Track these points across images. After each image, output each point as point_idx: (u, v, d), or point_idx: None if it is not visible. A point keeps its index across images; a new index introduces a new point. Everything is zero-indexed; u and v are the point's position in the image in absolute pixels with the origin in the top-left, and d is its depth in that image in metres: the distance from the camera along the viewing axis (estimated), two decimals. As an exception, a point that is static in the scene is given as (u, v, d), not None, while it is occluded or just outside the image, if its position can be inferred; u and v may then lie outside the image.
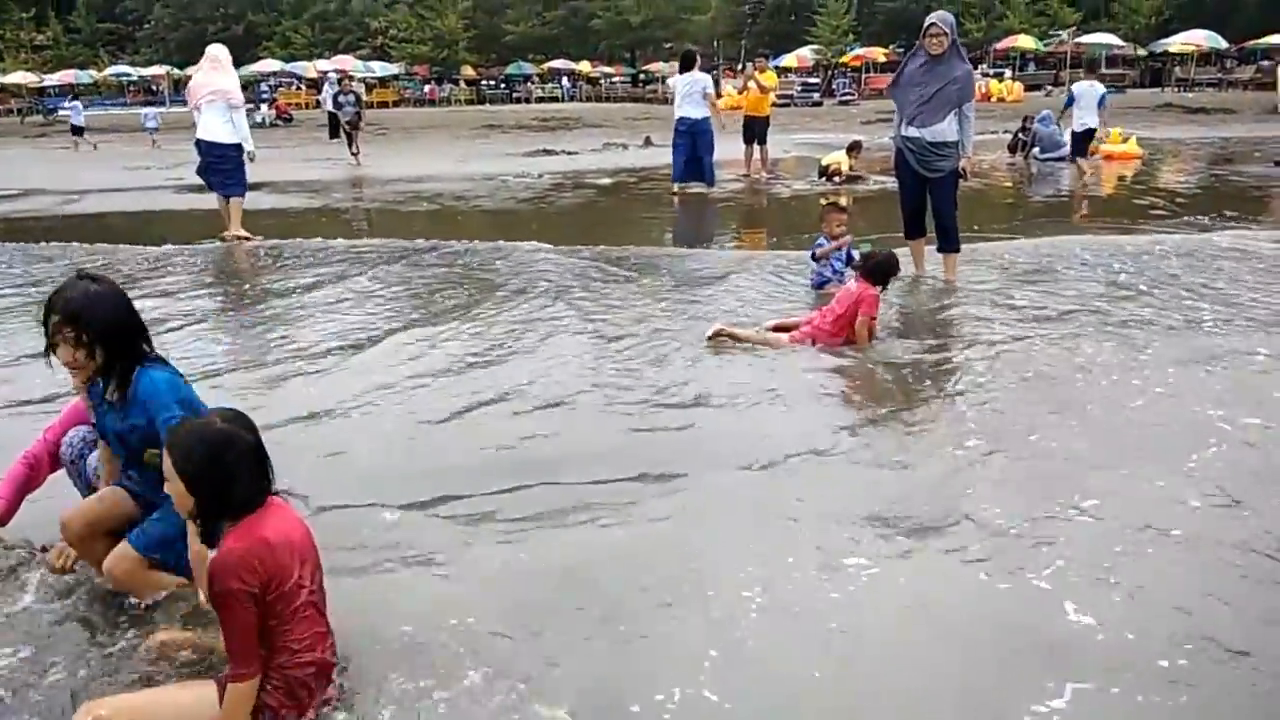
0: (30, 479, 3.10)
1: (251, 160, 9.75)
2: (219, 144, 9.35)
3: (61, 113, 28.62)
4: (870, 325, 5.24)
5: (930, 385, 4.63)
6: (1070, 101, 14.72)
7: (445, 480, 3.59)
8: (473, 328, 5.87)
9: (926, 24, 6.50)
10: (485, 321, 6.01)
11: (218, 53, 9.61)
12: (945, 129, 6.45)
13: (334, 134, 19.96)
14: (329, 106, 21.76)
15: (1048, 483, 3.45)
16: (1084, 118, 14.36)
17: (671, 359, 5.08)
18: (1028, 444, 3.85)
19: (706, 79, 12.68)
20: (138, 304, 2.74)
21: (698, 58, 12.99)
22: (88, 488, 3.03)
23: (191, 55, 51.15)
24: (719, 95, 14.75)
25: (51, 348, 2.57)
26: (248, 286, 7.48)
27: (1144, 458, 3.65)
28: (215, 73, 9.46)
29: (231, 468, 2.16)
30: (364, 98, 21.62)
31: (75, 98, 36.95)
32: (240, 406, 2.38)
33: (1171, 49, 39.94)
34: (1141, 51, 42.87)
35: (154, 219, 12.16)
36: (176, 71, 50.23)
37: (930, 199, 6.74)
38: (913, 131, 6.57)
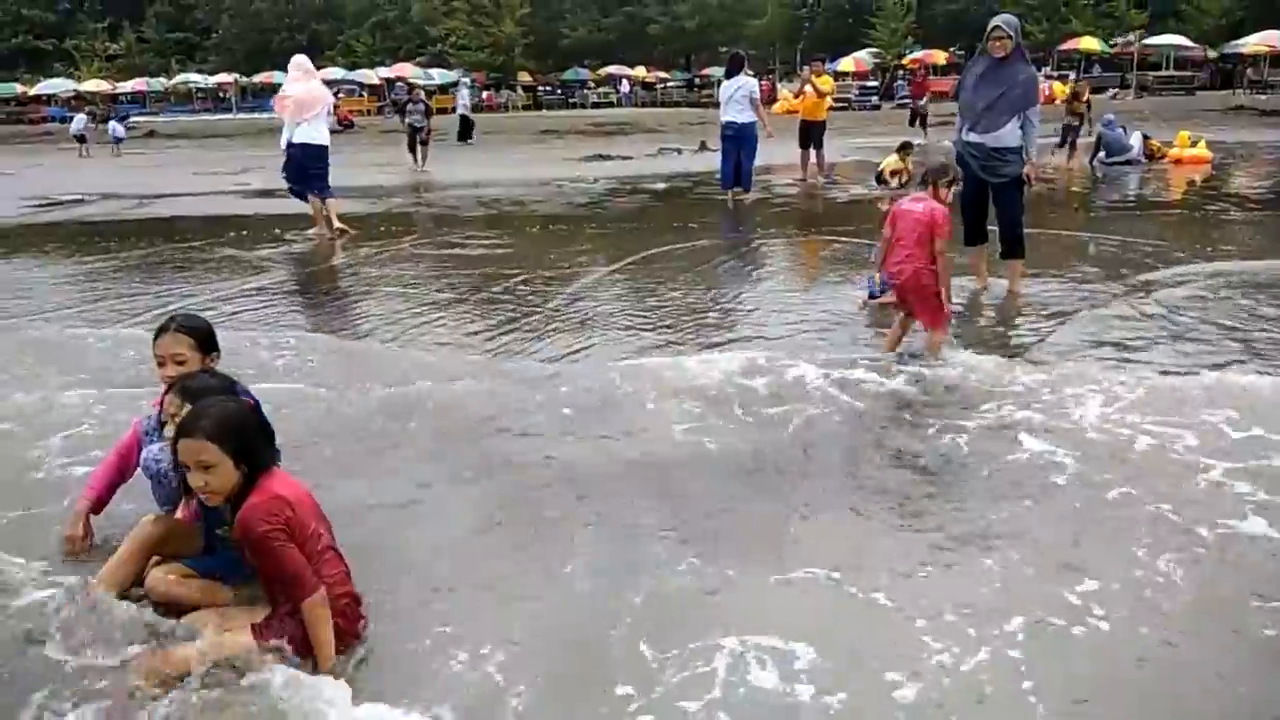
0: (122, 469, 3.23)
1: None
2: (326, 147, 10.23)
3: (114, 121, 29.66)
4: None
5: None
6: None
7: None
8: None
9: (990, 27, 6.37)
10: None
11: (308, 63, 10.49)
12: (1007, 134, 6.31)
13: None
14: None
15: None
16: None
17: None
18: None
19: (752, 83, 12.49)
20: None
21: (745, 61, 12.82)
22: (148, 472, 3.15)
23: (258, 64, 52.66)
24: (775, 100, 14.63)
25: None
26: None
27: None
28: (315, 82, 10.44)
29: (257, 435, 2.51)
30: (432, 107, 21.69)
31: (142, 106, 38.35)
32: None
33: (1245, 50, 38.75)
34: (1212, 53, 41.66)
35: (228, 222, 12.41)
36: (243, 79, 51.64)
37: (995, 206, 6.61)
38: (974, 137, 6.44)
